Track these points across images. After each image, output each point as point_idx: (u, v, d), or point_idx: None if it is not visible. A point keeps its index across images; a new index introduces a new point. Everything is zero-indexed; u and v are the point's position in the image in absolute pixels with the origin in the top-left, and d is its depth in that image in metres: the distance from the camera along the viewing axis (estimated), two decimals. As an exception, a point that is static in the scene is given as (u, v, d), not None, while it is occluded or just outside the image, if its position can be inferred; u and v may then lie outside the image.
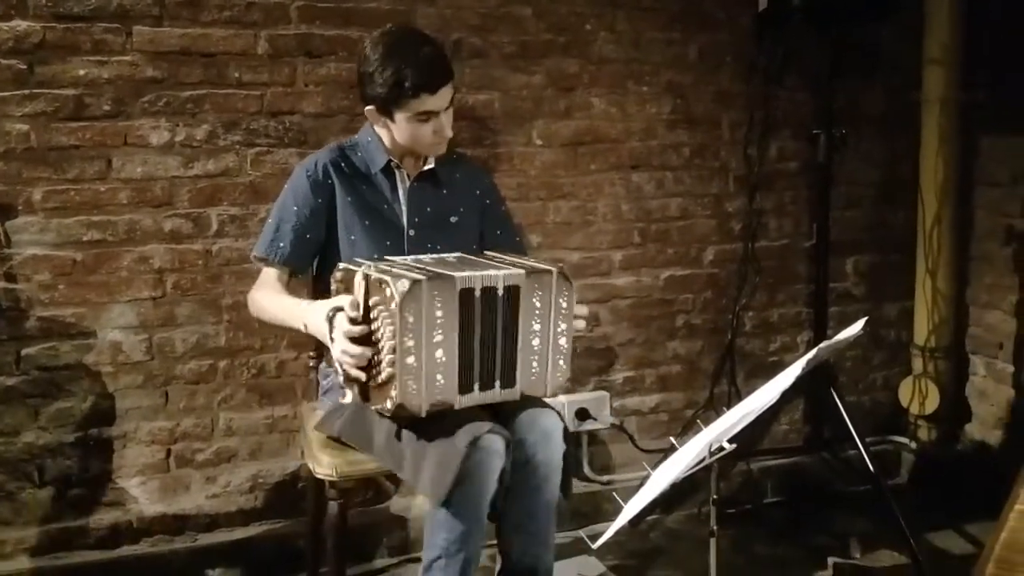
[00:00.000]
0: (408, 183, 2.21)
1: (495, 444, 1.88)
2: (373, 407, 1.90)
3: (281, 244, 2.16)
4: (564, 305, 1.95)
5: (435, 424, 1.88)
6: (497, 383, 1.93)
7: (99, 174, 2.45)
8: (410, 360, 1.80)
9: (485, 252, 2.13)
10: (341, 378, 1.94)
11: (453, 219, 2.24)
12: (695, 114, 2.99)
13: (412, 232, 2.19)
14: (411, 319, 1.78)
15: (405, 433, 1.95)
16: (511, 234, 2.37)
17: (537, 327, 1.93)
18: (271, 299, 2.15)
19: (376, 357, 1.83)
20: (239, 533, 2.65)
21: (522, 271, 1.91)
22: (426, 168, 2.22)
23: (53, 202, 2.42)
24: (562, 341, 1.96)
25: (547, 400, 2.02)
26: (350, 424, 2.08)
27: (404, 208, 2.20)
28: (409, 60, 2.01)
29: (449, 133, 2.12)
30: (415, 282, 1.77)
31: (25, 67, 2.36)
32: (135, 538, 2.58)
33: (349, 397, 1.97)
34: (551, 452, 1.96)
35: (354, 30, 2.60)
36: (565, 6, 2.80)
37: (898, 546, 2.69)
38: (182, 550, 2.59)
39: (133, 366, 2.53)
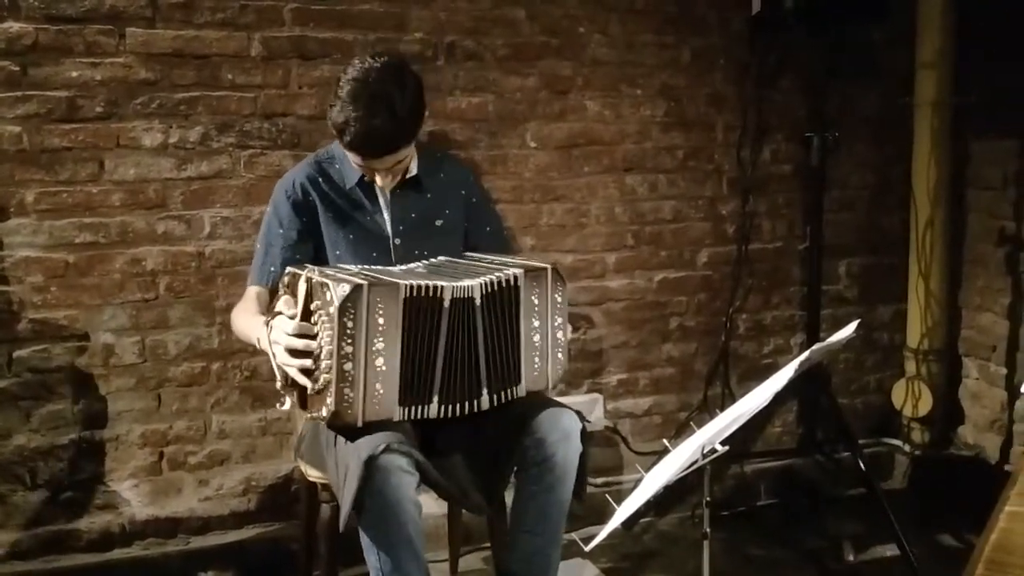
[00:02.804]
0: (388, 192, 2.18)
1: (395, 461, 1.80)
2: (310, 415, 1.86)
3: (272, 268, 2.14)
4: (559, 300, 1.98)
5: (350, 441, 1.83)
6: (485, 390, 1.92)
7: (92, 176, 2.45)
8: (348, 367, 1.76)
9: (471, 254, 2.13)
10: (279, 384, 1.89)
11: (438, 222, 2.22)
12: (688, 117, 3.00)
13: (398, 241, 2.17)
14: (350, 324, 1.74)
15: (335, 451, 1.90)
16: (499, 231, 2.36)
17: (537, 323, 1.96)
18: (240, 315, 2.13)
19: (315, 363, 1.79)
20: (232, 536, 2.65)
21: (520, 270, 1.92)
22: (409, 177, 2.19)
23: (45, 204, 2.42)
24: (559, 335, 1.99)
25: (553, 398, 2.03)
26: (308, 447, 2.07)
27: (387, 217, 2.17)
28: (359, 120, 1.93)
29: (388, 181, 2.10)
30: (356, 287, 1.74)
31: (18, 69, 2.35)
32: (127, 541, 2.57)
33: (288, 404, 1.91)
34: (570, 452, 1.97)
35: (348, 32, 2.60)
36: (559, 9, 2.81)
37: (891, 548, 2.69)
38: (175, 553, 2.58)
39: (125, 368, 2.52)
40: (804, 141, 2.93)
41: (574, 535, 2.74)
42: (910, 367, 3.26)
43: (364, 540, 1.87)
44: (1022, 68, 2.91)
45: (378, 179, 2.11)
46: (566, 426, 1.97)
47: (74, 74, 2.40)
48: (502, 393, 1.95)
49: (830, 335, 2.04)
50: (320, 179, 2.16)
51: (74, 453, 2.51)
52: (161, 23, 2.45)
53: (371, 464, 1.78)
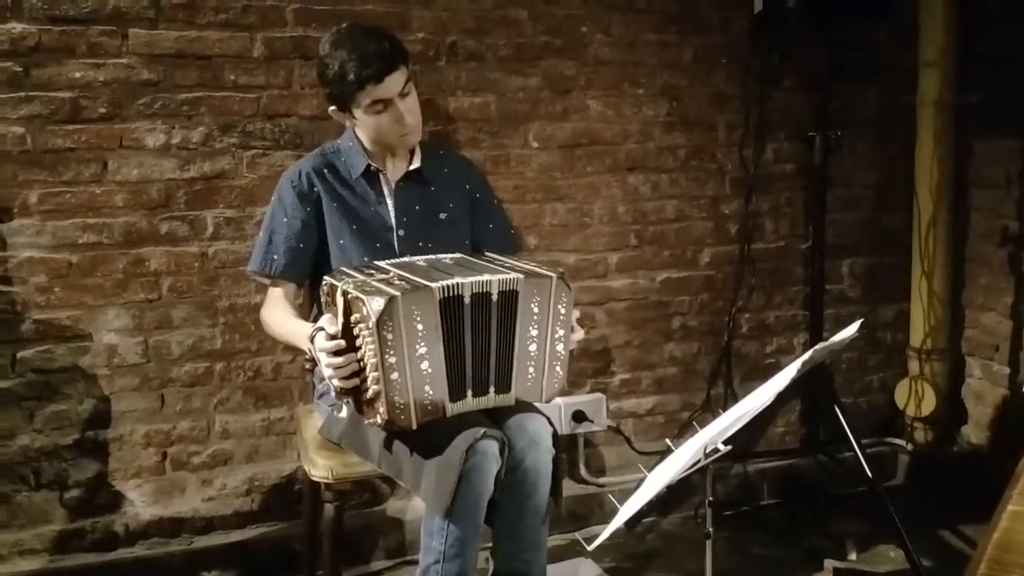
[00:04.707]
0: (393, 184, 2.21)
1: (491, 448, 1.88)
2: (367, 421, 1.90)
3: (275, 257, 2.16)
4: (563, 311, 1.93)
5: (431, 430, 1.87)
6: (492, 389, 1.92)
7: (95, 176, 2.45)
8: (394, 376, 1.79)
9: (486, 254, 2.12)
10: (334, 393, 1.94)
11: (442, 216, 2.23)
12: (691, 116, 3.00)
13: (401, 232, 2.19)
14: (390, 336, 1.76)
15: (400, 440, 1.95)
16: (504, 227, 2.36)
17: (535, 333, 1.92)
18: (277, 320, 2.16)
19: (362, 374, 1.83)
20: (235, 536, 2.65)
21: (520, 275, 1.89)
22: (412, 168, 2.21)
23: (49, 204, 2.42)
24: (559, 347, 1.95)
25: (541, 404, 2.01)
26: (350, 430, 2.09)
27: (391, 209, 2.20)
28: (351, 53, 2.03)
29: (411, 120, 2.11)
30: (390, 299, 1.75)
31: (21, 70, 2.36)
32: (131, 541, 2.58)
33: (345, 412, 1.97)
34: (540, 457, 1.96)
35: (350, 33, 2.60)
36: (561, 8, 2.81)
37: (894, 547, 2.69)
38: (178, 553, 2.59)
39: (129, 369, 2.53)
40: (807, 140, 2.92)
41: (577, 534, 2.76)
42: (913, 367, 3.25)
43: (436, 524, 1.89)
44: (1025, 67, 2.92)
45: (406, 116, 2.08)
46: (533, 431, 1.96)
47: (77, 75, 2.40)
48: (501, 395, 1.94)
49: (833, 335, 2.04)
50: (325, 170, 2.19)
51: (78, 453, 2.51)
52: (164, 24, 2.46)
53: (470, 452, 1.83)
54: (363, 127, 2.14)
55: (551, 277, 1.91)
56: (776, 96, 3.07)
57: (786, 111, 3.08)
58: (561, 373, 1.97)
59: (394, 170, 2.22)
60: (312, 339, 1.91)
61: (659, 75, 2.94)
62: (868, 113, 3.18)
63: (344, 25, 2.13)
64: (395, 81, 2.06)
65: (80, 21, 2.39)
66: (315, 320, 2.03)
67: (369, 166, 2.19)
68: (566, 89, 2.85)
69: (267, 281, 2.21)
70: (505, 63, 2.77)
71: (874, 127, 3.19)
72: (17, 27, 2.34)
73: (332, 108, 2.14)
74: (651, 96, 2.94)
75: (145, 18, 2.44)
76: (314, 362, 2.31)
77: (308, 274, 2.21)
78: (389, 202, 2.20)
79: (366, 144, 2.20)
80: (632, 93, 2.92)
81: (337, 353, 1.84)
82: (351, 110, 2.11)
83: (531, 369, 1.93)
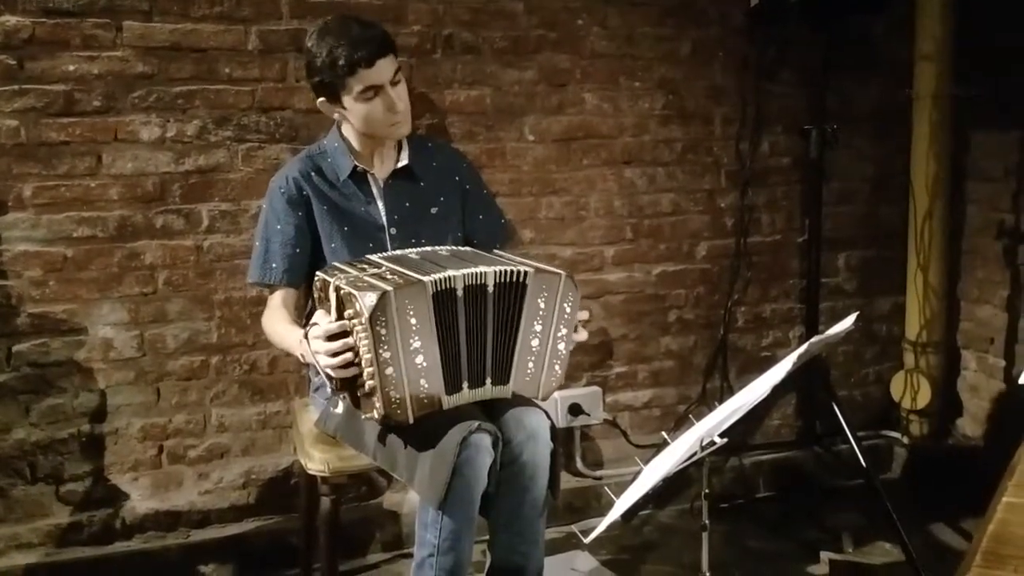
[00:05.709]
0: (381, 183, 2.20)
1: (483, 441, 1.88)
2: (364, 416, 1.90)
3: (273, 265, 2.15)
4: (568, 310, 1.94)
5: (426, 423, 1.88)
6: (488, 380, 1.92)
7: (89, 170, 2.45)
8: (389, 371, 1.79)
9: (495, 251, 2.11)
10: (330, 389, 1.94)
11: (433, 210, 2.23)
12: (687, 109, 2.99)
13: (393, 231, 2.18)
14: (383, 331, 1.76)
15: (395, 433, 1.96)
16: (495, 217, 2.36)
17: (538, 328, 1.92)
18: (276, 329, 2.15)
19: (358, 368, 1.83)
20: (232, 529, 2.65)
21: (530, 269, 1.90)
22: (400, 166, 2.21)
23: (43, 198, 2.41)
24: (560, 346, 1.95)
25: (537, 400, 2.01)
26: (345, 424, 2.09)
27: (382, 207, 2.19)
28: (340, 39, 2.02)
29: (402, 107, 2.10)
30: (383, 294, 1.75)
31: (14, 62, 2.35)
32: (128, 534, 2.58)
33: (341, 407, 1.97)
34: (538, 451, 1.96)
35: (345, 25, 2.59)
36: (557, 1, 2.80)
37: (890, 540, 2.70)
38: (174, 546, 2.59)
39: (124, 362, 2.53)
40: (803, 134, 2.92)
41: (573, 527, 2.77)
42: (909, 359, 3.26)
43: (430, 517, 1.90)
44: (1022, 60, 2.91)
45: (397, 103, 2.08)
46: (531, 425, 1.97)
47: (71, 68, 2.39)
48: (498, 387, 1.95)
49: (829, 328, 2.04)
50: (312, 173, 2.17)
51: (74, 447, 2.51)
52: (158, 16, 2.45)
53: (463, 446, 1.84)
54: (354, 117, 2.11)
55: (560, 275, 1.92)
56: (772, 89, 3.07)
57: (782, 105, 3.08)
58: (560, 372, 1.97)
59: (382, 168, 2.21)
60: (306, 336, 1.90)
61: (655, 68, 2.94)
62: (865, 106, 3.18)
63: (329, 17, 2.12)
64: (386, 66, 2.05)
65: (74, 14, 2.38)
66: (309, 315, 2.03)
67: (356, 167, 2.17)
68: (562, 82, 2.84)
69: (267, 291, 2.21)
70: (501, 56, 2.76)
71: (871, 120, 3.19)
72: (11, 20, 2.33)
73: (321, 100, 2.13)
74: (647, 89, 2.94)
75: (139, 11, 2.43)
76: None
77: (306, 278, 2.19)
78: (379, 202, 2.19)
79: (353, 141, 2.19)
80: (628, 86, 2.92)
81: (331, 338, 1.83)
82: (341, 99, 2.09)
83: (531, 364, 1.94)
